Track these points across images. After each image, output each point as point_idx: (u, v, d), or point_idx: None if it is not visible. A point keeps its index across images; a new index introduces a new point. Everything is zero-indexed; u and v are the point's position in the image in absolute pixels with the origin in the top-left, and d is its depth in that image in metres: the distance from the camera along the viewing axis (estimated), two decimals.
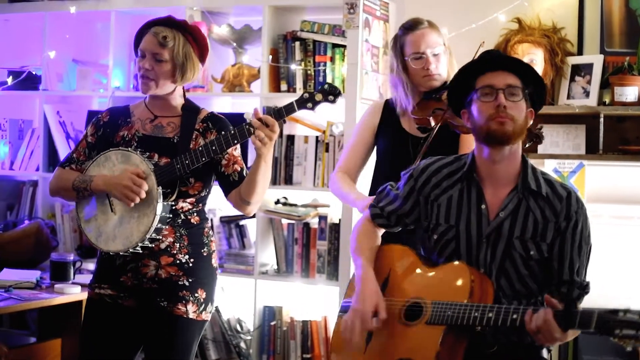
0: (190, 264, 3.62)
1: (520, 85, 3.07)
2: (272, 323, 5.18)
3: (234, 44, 5.32)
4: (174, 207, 3.58)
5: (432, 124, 3.86)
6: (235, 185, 3.64)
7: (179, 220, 3.62)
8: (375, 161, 4.19)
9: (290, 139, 5.14)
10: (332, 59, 5.07)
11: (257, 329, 5.21)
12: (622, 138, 4.77)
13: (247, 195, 3.60)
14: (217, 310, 5.31)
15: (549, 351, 3.20)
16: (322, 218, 5.08)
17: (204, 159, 3.50)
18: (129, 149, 3.59)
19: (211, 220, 5.34)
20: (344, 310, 3.32)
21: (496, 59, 3.14)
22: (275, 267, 5.23)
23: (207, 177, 3.67)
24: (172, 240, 3.60)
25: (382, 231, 3.40)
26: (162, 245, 3.58)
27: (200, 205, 3.70)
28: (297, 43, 5.14)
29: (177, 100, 3.72)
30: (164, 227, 3.55)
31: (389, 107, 4.16)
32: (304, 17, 5.21)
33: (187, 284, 3.60)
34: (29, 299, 4.40)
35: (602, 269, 4.37)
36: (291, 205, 5.22)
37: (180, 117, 3.68)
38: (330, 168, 4.98)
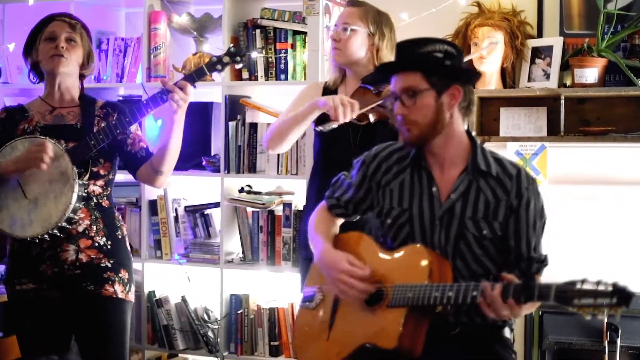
0: (109, 246, 3.69)
1: (422, 80, 3.04)
2: (239, 311, 5.18)
3: (195, 33, 5.30)
4: (86, 190, 3.62)
5: (372, 120, 3.88)
6: (144, 161, 3.76)
7: (92, 204, 3.68)
8: (315, 146, 4.21)
9: (253, 126, 5.12)
10: (293, 46, 5.05)
11: (224, 317, 5.20)
12: (582, 119, 4.80)
13: (160, 165, 3.71)
14: (184, 299, 5.30)
15: (512, 330, 3.22)
16: (287, 205, 5.07)
17: (118, 132, 3.60)
18: (36, 135, 3.64)
19: (175, 209, 5.33)
20: (306, 300, 3.33)
21: (390, 66, 3.20)
22: (241, 255, 5.22)
23: (114, 158, 3.77)
24: (88, 222, 3.65)
25: (340, 221, 3.42)
26: (80, 228, 3.63)
27: (109, 189, 3.78)
28: (258, 31, 5.12)
29: (76, 92, 3.80)
30: (80, 207, 3.59)
31: (327, 90, 4.19)
32: (264, 5, 5.19)
33: (109, 265, 3.67)
34: None
35: (565, 249, 4.40)
36: (255, 193, 5.21)
37: (79, 106, 3.77)
38: (294, 155, 4.97)
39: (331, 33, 4.12)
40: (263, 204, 5.10)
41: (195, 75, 3.62)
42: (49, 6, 5.69)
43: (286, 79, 5.06)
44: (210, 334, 5.27)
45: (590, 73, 4.63)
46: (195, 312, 5.31)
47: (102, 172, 3.69)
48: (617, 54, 4.66)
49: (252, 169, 5.14)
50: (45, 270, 3.61)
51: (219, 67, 3.68)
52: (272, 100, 5.28)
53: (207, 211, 5.39)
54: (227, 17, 5.14)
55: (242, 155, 5.14)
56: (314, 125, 4.09)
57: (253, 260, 5.17)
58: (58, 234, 3.55)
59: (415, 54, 3.07)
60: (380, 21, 4.10)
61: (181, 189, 5.44)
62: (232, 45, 3.78)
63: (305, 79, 4.93)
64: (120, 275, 3.68)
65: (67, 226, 3.56)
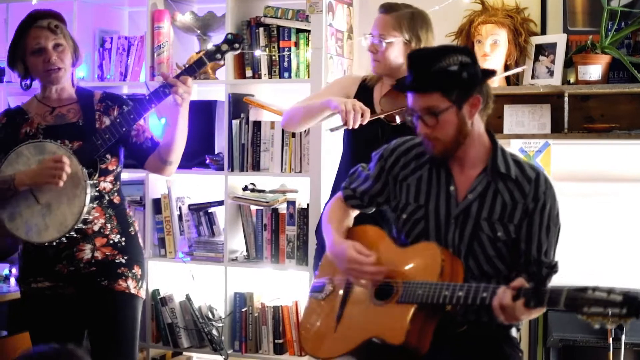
0: (123, 243, 3.71)
1: (442, 98, 2.99)
2: (244, 309, 5.18)
3: (198, 32, 5.30)
4: (97, 189, 3.62)
5: (398, 121, 3.87)
6: (150, 151, 3.75)
7: (105, 201, 3.68)
8: (343, 144, 4.19)
9: (257, 125, 5.12)
10: (297, 44, 5.06)
11: (229, 315, 5.21)
12: (586, 116, 4.80)
13: (169, 155, 3.71)
14: (188, 298, 5.30)
15: (518, 330, 3.22)
16: (291, 203, 5.08)
17: (124, 129, 3.60)
18: (40, 138, 3.62)
19: (179, 208, 5.34)
20: (314, 290, 3.33)
21: (409, 85, 3.10)
22: (245, 253, 5.23)
23: (119, 151, 3.75)
24: (103, 221, 3.66)
25: (355, 212, 3.41)
26: (95, 228, 3.64)
27: (118, 184, 3.77)
28: (261, 29, 5.12)
29: (70, 88, 3.78)
30: (93, 206, 3.59)
31: (364, 85, 4.16)
32: (267, 3, 5.19)
33: (123, 261, 3.69)
34: None
35: (568, 246, 4.39)
36: (259, 191, 5.21)
37: (77, 102, 3.75)
38: (297, 153, 4.98)
39: (368, 44, 4.05)
40: (267, 202, 5.10)
41: (196, 66, 3.64)
42: (53, 5, 5.69)
43: (289, 77, 5.06)
44: (214, 332, 5.27)
45: (594, 70, 4.63)
46: (199, 310, 5.32)
47: (110, 167, 3.69)
48: (620, 50, 4.66)
49: (256, 167, 5.14)
50: (62, 269, 3.62)
51: (218, 55, 3.70)
52: (275, 99, 5.29)
53: (211, 209, 5.39)
54: (231, 15, 5.14)
55: (246, 154, 5.14)
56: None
57: (257, 259, 5.17)
58: (75, 235, 3.57)
59: (430, 73, 3.00)
60: (414, 26, 4.02)
61: (185, 187, 5.44)
62: (230, 33, 3.79)
63: (308, 77, 4.93)
64: (133, 271, 3.70)
65: (83, 227, 3.57)
